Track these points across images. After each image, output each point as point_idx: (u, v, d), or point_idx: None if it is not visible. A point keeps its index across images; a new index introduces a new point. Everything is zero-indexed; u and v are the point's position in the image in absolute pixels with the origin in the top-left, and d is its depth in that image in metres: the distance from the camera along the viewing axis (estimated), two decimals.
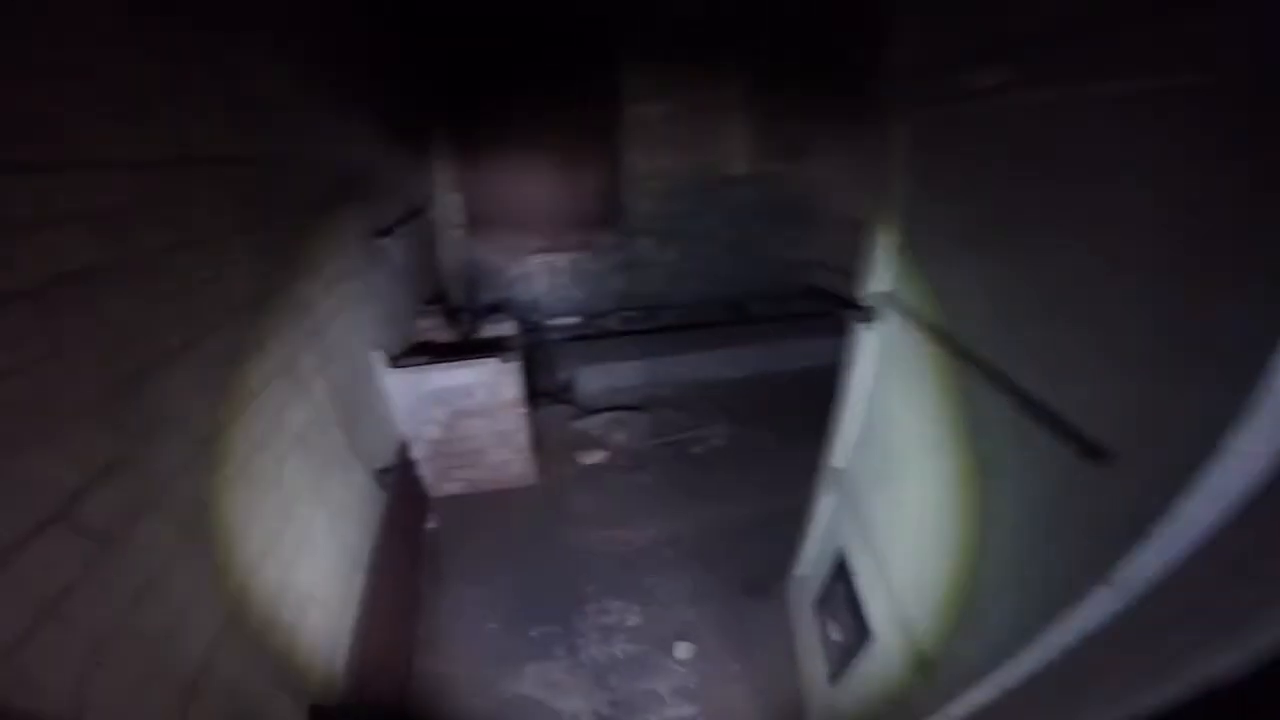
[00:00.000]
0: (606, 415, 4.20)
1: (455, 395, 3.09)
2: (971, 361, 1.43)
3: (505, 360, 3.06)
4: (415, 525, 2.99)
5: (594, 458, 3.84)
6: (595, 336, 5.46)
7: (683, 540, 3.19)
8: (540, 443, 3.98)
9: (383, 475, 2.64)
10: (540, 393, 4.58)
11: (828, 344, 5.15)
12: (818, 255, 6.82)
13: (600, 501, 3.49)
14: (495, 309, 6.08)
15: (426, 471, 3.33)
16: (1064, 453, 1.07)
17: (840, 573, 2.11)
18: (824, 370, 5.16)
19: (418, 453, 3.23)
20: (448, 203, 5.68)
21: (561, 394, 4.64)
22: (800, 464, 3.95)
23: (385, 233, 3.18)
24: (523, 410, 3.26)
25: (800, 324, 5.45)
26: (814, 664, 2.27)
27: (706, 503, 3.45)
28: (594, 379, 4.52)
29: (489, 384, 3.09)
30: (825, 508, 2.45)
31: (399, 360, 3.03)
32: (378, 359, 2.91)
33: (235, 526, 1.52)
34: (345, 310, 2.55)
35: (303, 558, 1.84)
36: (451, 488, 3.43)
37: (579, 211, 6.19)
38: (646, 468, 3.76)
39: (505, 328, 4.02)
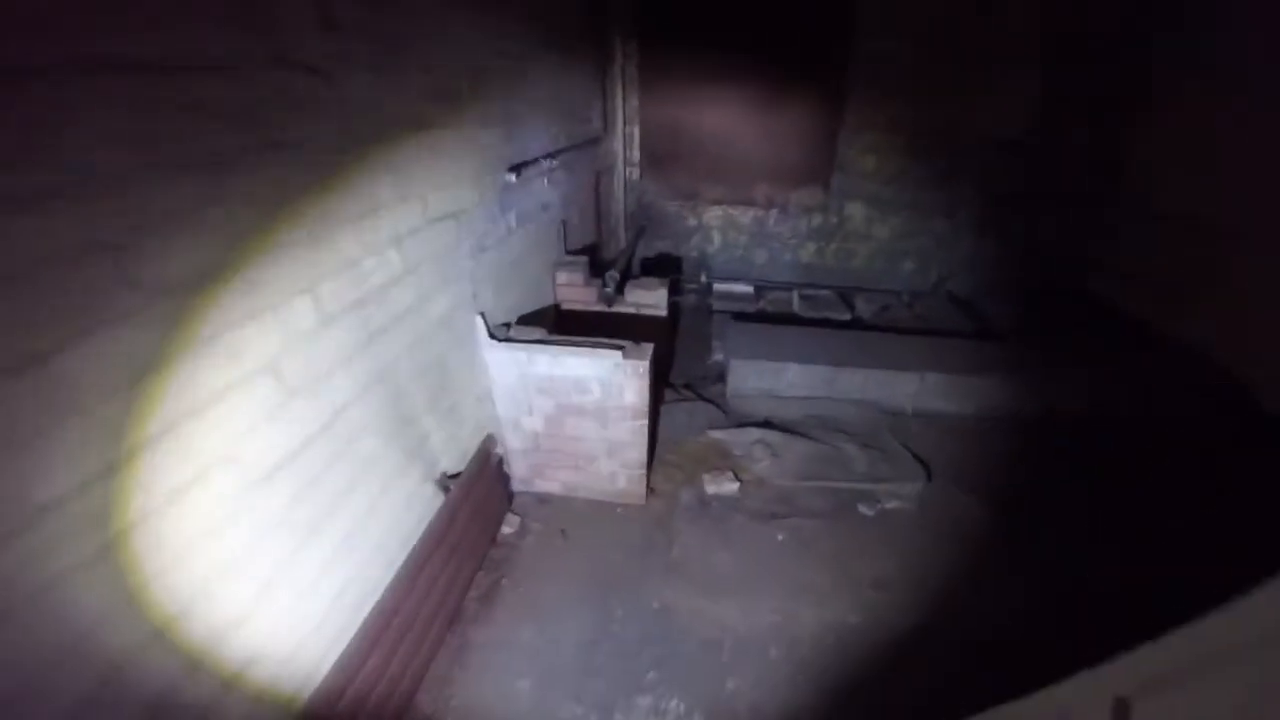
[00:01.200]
0: (755, 431, 3.28)
1: (565, 388, 2.42)
2: None
3: (633, 357, 2.29)
4: (480, 533, 2.46)
5: (724, 487, 2.99)
6: (767, 318, 4.44)
7: (802, 643, 2.26)
8: (663, 450, 3.23)
9: (448, 479, 2.09)
10: (681, 384, 3.79)
11: (1111, 382, 3.53)
12: (1103, 255, 4.86)
13: (712, 552, 2.66)
14: (656, 266, 5.39)
15: (519, 466, 2.78)
16: None
17: None
18: (1095, 423, 3.53)
19: (513, 442, 2.67)
20: (624, 135, 4.93)
21: (707, 386, 3.80)
22: (1026, 563, 2.66)
23: (520, 168, 2.52)
24: (644, 421, 2.50)
25: (1070, 349, 3.83)
26: None
27: (856, 593, 2.44)
28: (751, 376, 3.58)
29: (608, 382, 2.36)
30: None
31: (508, 331, 2.43)
32: (479, 328, 2.32)
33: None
34: (431, 266, 1.95)
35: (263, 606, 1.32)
36: (546, 486, 2.86)
37: (777, 161, 5.05)
38: (788, 519, 2.81)
39: (656, 296, 3.24)
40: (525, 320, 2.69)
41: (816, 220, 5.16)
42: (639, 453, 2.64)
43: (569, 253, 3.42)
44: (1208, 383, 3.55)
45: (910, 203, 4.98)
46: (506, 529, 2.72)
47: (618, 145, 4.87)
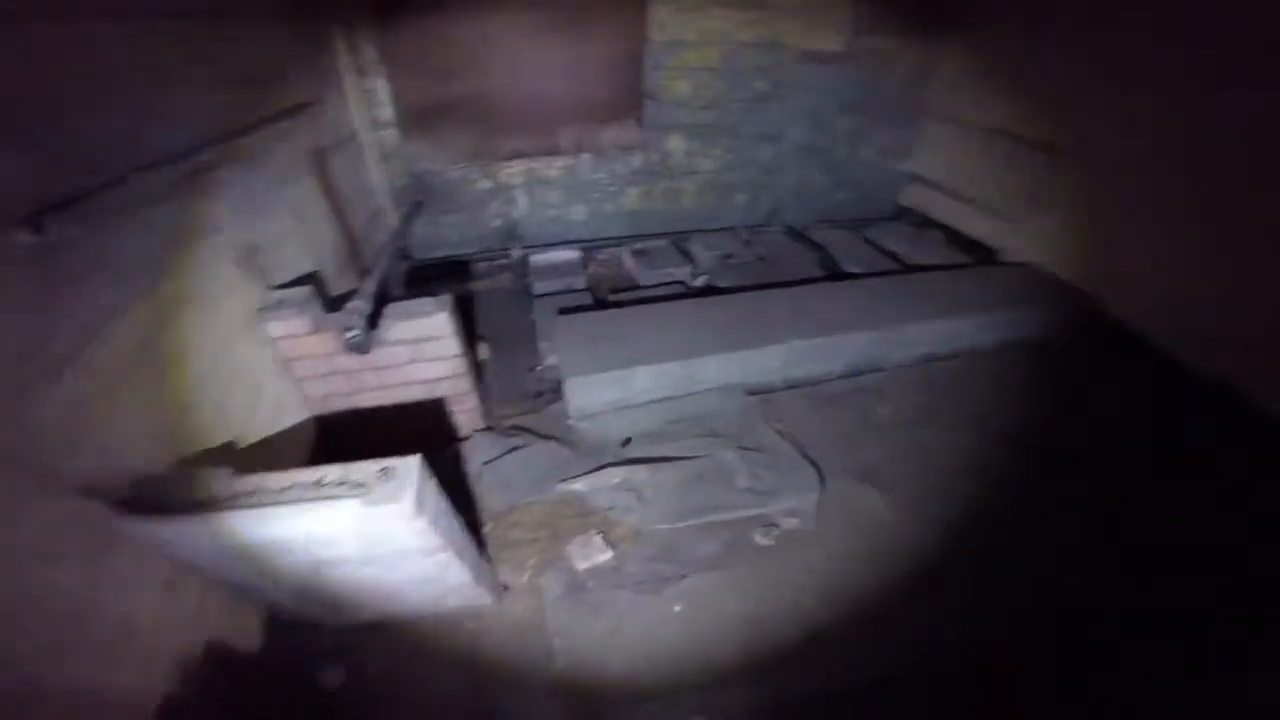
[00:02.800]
0: (615, 473, 2.55)
1: (301, 547, 1.45)
2: None
3: (385, 499, 1.35)
4: None
5: (596, 558, 2.27)
6: (600, 304, 3.65)
7: None
8: (501, 528, 2.41)
9: None
10: (508, 420, 2.91)
11: (960, 309, 3.19)
12: (924, 170, 4.72)
13: (606, 654, 1.99)
14: (434, 273, 4.14)
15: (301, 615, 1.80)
16: None
17: None
18: (956, 357, 3.19)
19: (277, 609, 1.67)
20: (362, 92, 3.60)
21: (542, 407, 2.98)
22: (935, 553, 2.26)
23: (63, 211, 1.32)
24: (449, 553, 1.63)
25: (915, 280, 3.57)
26: None
27: (781, 661, 1.94)
28: (595, 391, 2.81)
29: (365, 532, 1.43)
30: None
31: (153, 490, 1.36)
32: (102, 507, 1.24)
33: None
34: None
35: None
36: (365, 615, 1.92)
37: (580, 97, 4.10)
38: (681, 581, 2.20)
39: (434, 324, 2.27)
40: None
41: (636, 161, 4.35)
42: (462, 573, 1.78)
43: (279, 286, 2.25)
44: (1051, 300, 3.49)
45: (731, 130, 4.36)
46: (332, 681, 1.80)
47: (352, 108, 3.54)
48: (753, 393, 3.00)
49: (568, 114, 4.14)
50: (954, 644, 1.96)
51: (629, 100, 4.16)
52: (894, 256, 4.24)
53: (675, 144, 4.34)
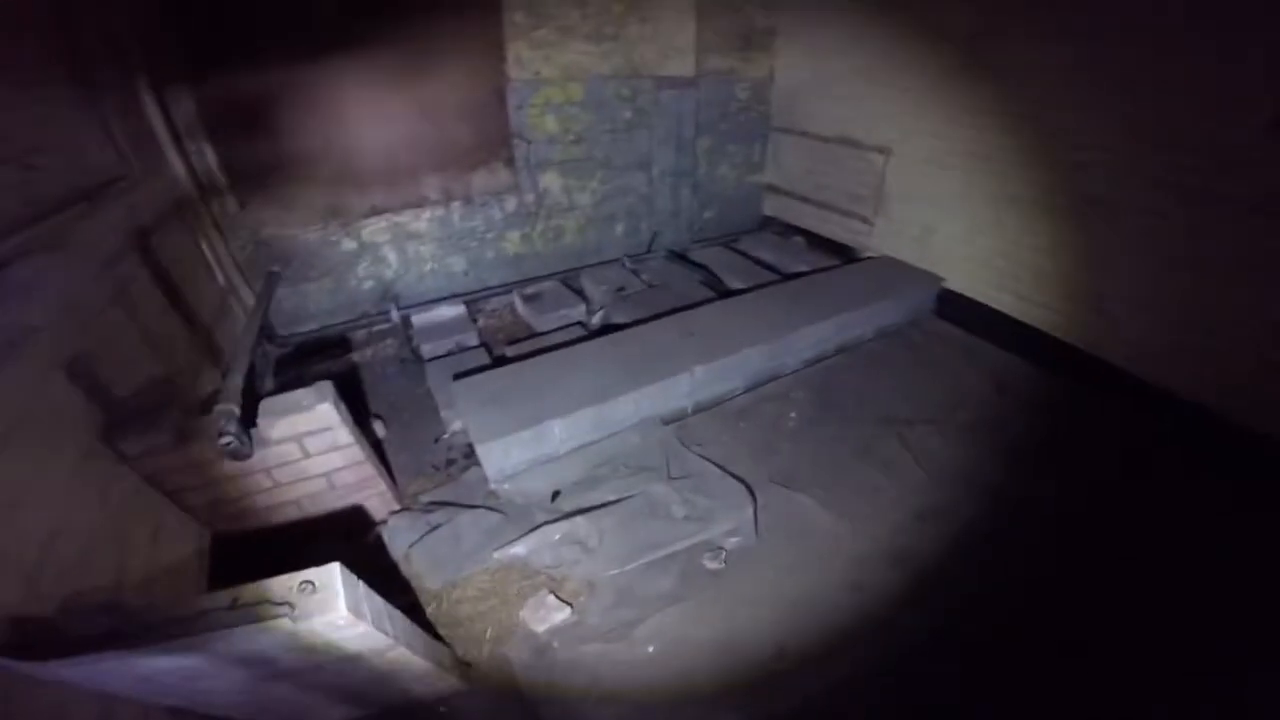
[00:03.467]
0: (552, 529, 2.44)
1: (236, 666, 1.22)
2: None
3: (319, 595, 1.17)
4: None
5: (553, 617, 2.15)
6: (498, 360, 3.50)
7: None
8: (445, 608, 2.20)
9: None
10: (424, 497, 2.68)
11: (838, 309, 3.42)
12: (779, 180, 5.12)
13: (586, 703, 1.88)
14: (308, 350, 3.72)
15: None
16: None
17: None
18: (842, 351, 3.48)
19: None
20: (183, 158, 3.18)
21: (460, 474, 2.80)
22: (867, 550, 2.41)
23: None
24: (401, 648, 1.44)
25: (793, 288, 3.82)
26: None
27: (770, 690, 1.95)
28: (512, 452, 2.68)
29: (305, 646, 1.23)
30: None
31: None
32: None
33: None
34: None
35: None
36: None
37: (441, 144, 3.93)
38: (646, 622, 2.14)
39: (318, 417, 2.04)
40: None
41: (510, 204, 4.27)
42: (419, 662, 1.59)
43: (115, 422, 1.85)
44: (908, 286, 3.91)
45: (604, 161, 4.44)
46: None
47: (176, 176, 3.12)
48: (668, 422, 3.03)
49: (431, 162, 3.96)
50: (905, 636, 2.08)
51: (497, 141, 4.08)
52: (769, 266, 4.53)
53: (551, 181, 4.32)
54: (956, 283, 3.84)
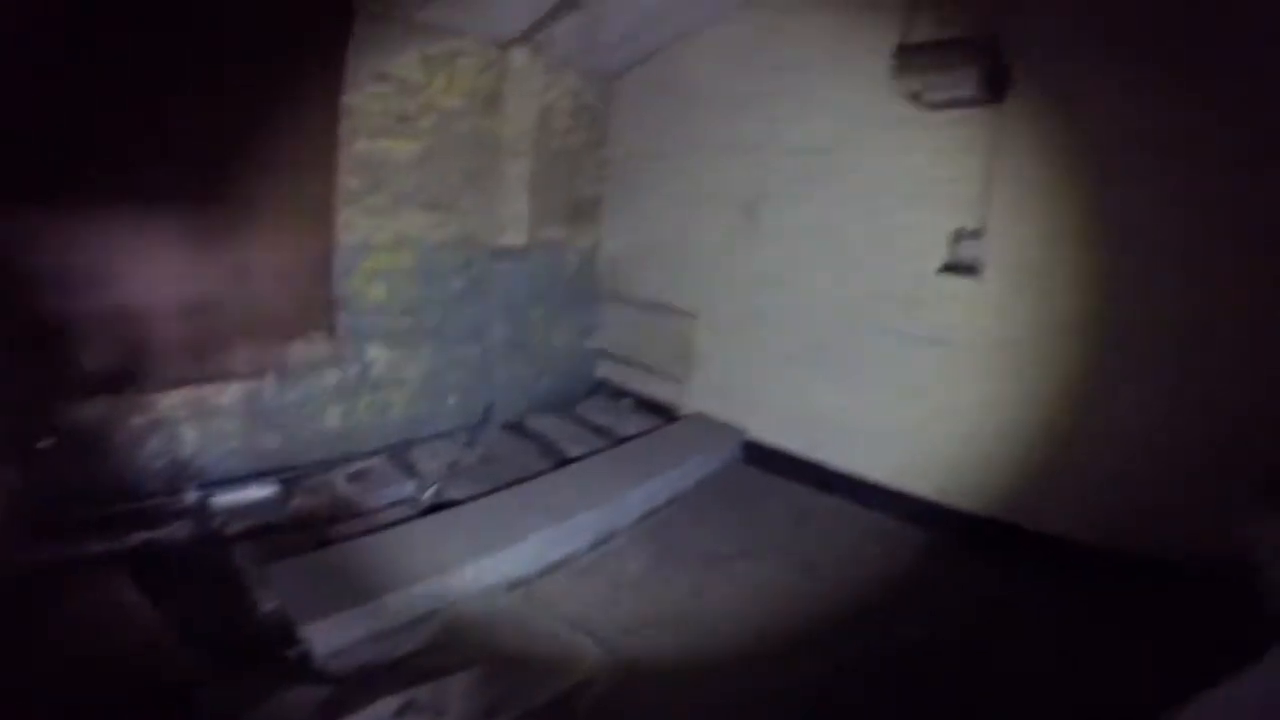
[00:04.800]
0: (393, 700, 2.15)
1: None
2: None
3: None
4: None
5: None
6: (321, 541, 3.19)
7: None
8: None
9: None
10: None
11: (662, 467, 3.86)
12: (609, 345, 5.73)
13: None
14: (91, 531, 2.94)
15: None
16: None
17: None
18: (672, 503, 3.82)
19: None
20: None
21: (279, 652, 2.37)
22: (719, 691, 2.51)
23: None
24: None
25: (624, 451, 4.18)
26: None
27: None
28: (340, 629, 2.39)
29: None
30: None
31: None
32: None
33: None
34: None
35: None
36: None
37: (256, 309, 3.78)
38: None
39: None
40: None
41: (332, 377, 4.14)
42: None
43: None
44: (718, 439, 4.49)
45: (435, 331, 4.61)
46: None
47: None
48: (514, 586, 2.98)
49: (244, 330, 3.75)
50: None
51: (319, 309, 4.00)
52: (603, 430, 4.87)
53: (377, 353, 4.32)
54: (758, 432, 4.53)
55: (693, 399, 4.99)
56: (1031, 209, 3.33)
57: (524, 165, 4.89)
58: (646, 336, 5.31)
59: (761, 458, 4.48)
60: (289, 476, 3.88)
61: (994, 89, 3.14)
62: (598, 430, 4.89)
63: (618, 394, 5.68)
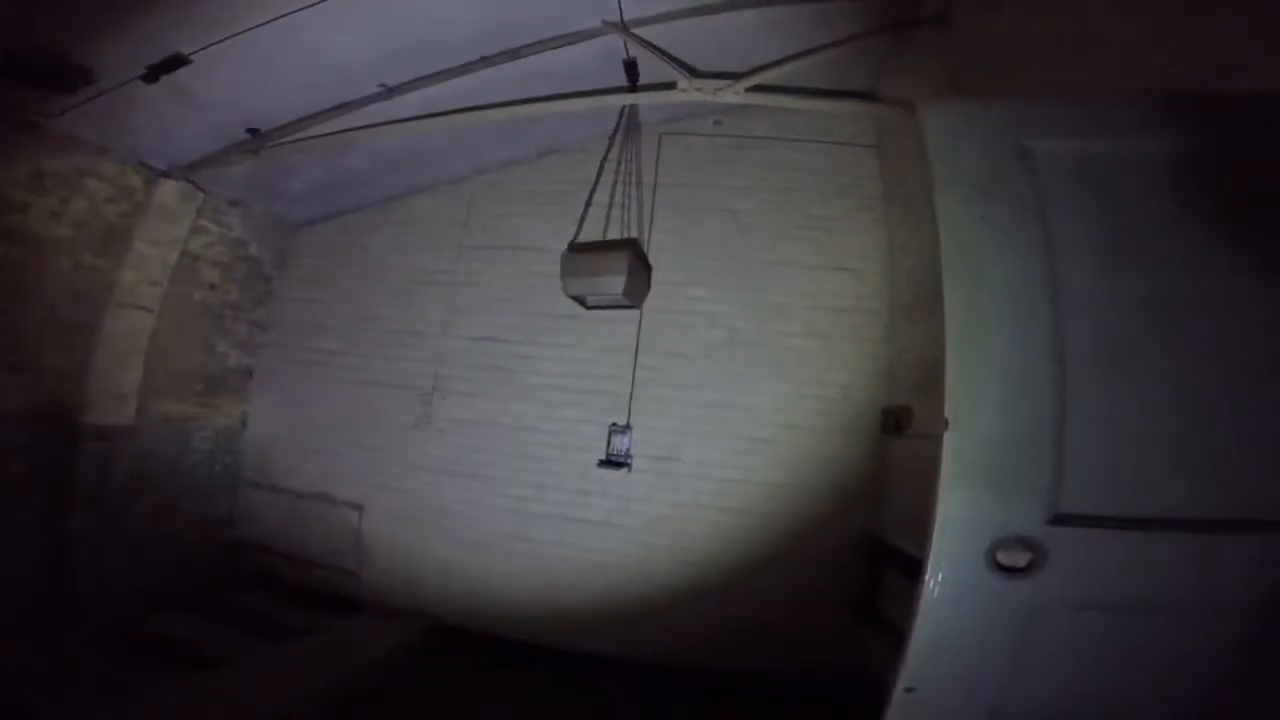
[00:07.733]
0: None
1: None
2: None
3: None
4: None
5: None
6: None
7: None
8: None
9: None
10: None
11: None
12: (257, 535, 4.77)
13: None
14: None
15: None
16: None
17: None
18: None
19: None
20: None
21: None
22: None
23: None
24: None
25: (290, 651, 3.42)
26: None
27: None
28: None
29: None
30: None
31: None
32: None
33: None
34: None
35: None
36: None
37: None
38: None
39: None
40: None
41: None
42: None
43: None
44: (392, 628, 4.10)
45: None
46: None
47: None
48: None
49: None
50: None
51: None
52: (256, 628, 3.94)
53: None
54: (444, 616, 4.24)
55: (369, 588, 4.47)
56: (668, 406, 4.13)
57: (142, 321, 4.02)
58: (306, 526, 4.64)
59: (454, 638, 4.18)
60: None
61: (632, 293, 3.36)
62: (247, 628, 3.98)
63: (272, 585, 4.71)
